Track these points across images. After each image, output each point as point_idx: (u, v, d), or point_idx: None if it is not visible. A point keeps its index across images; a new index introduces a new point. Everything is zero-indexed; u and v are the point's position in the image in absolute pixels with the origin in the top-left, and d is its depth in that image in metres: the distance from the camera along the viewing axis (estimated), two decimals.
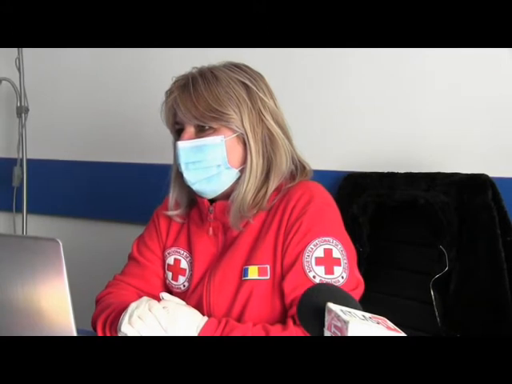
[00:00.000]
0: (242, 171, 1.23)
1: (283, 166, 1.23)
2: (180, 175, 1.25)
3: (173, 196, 1.30)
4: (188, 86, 1.20)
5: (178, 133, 1.24)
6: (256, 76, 1.25)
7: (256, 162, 1.21)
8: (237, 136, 1.21)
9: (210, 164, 1.20)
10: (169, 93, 1.23)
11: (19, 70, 2.10)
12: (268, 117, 1.23)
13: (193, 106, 1.18)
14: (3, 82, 2.12)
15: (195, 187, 1.23)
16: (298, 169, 1.26)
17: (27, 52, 2.10)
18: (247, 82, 1.22)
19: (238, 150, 1.22)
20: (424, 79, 1.66)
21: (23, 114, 2.12)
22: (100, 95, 2.11)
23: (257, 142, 1.21)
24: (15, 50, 2.09)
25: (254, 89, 1.22)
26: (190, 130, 1.21)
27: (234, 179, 1.23)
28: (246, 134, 1.20)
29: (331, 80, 1.76)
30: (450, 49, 1.55)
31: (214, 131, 1.20)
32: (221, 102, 1.18)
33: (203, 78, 1.20)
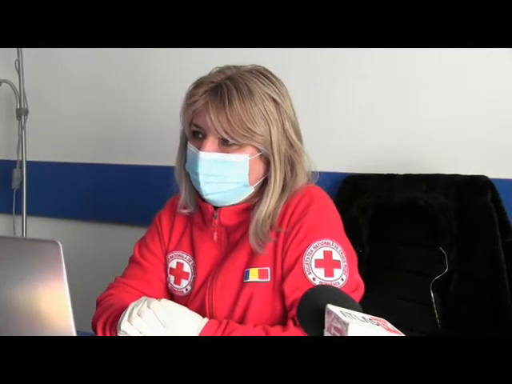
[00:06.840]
0: (256, 187, 1.22)
1: (299, 184, 1.23)
2: (186, 175, 1.24)
3: (184, 197, 1.28)
4: (222, 97, 1.14)
5: (193, 133, 1.21)
6: (281, 87, 1.22)
7: (279, 183, 1.20)
8: (260, 155, 1.20)
9: (230, 180, 1.19)
10: (195, 94, 1.18)
11: (19, 72, 2.09)
12: (291, 131, 1.21)
13: (225, 120, 1.14)
14: (3, 84, 2.12)
15: (208, 197, 1.21)
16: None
17: (27, 54, 2.10)
18: (277, 99, 1.19)
19: (260, 168, 1.21)
20: (424, 80, 1.66)
21: (23, 116, 2.12)
22: (100, 97, 2.11)
23: (281, 162, 1.20)
24: (15, 51, 2.09)
25: (282, 105, 1.20)
26: (215, 140, 1.17)
27: (248, 194, 1.23)
28: (273, 153, 1.19)
29: (331, 81, 1.76)
30: (449, 49, 1.55)
31: (239, 148, 1.17)
32: (254, 121, 1.15)
33: (238, 90, 1.15)
